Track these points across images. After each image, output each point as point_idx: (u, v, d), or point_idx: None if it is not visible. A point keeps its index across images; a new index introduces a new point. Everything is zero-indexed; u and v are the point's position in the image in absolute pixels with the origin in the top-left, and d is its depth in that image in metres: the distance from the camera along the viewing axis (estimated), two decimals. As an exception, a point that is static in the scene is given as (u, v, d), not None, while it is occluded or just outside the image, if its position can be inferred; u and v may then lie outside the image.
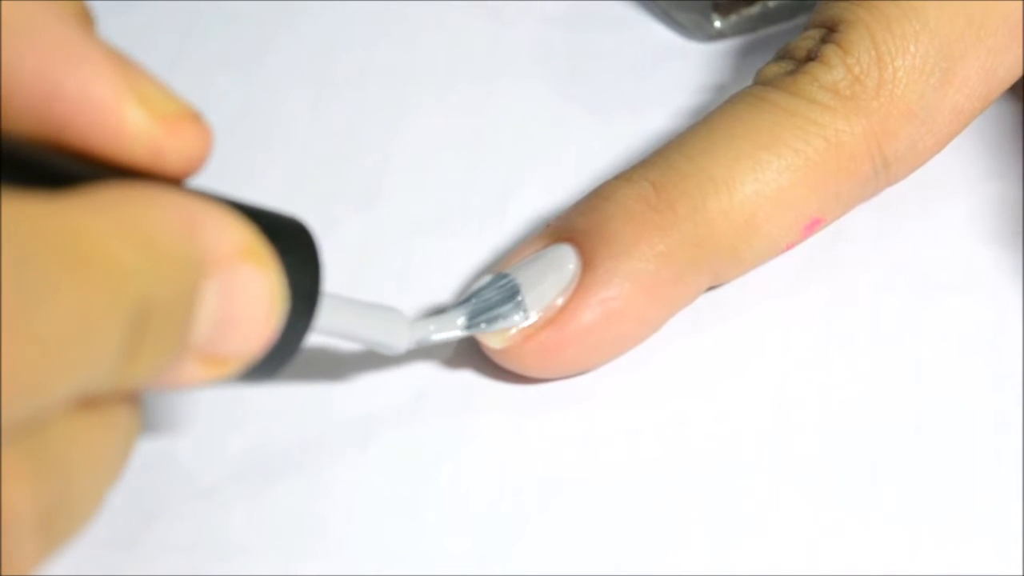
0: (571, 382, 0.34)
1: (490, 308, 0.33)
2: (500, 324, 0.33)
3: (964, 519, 0.32)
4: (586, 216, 0.34)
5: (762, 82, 0.36)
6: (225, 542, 0.32)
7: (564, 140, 0.40)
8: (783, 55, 0.36)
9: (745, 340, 0.35)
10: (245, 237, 0.27)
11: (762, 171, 0.34)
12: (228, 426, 0.34)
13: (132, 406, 0.27)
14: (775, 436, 0.34)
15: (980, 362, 0.35)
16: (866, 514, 0.32)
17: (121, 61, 0.26)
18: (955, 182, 0.37)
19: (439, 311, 0.34)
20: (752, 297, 0.36)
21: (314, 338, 0.33)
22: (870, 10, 0.35)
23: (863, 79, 0.34)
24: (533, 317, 0.33)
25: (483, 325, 0.33)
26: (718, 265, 0.34)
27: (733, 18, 0.42)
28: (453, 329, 0.33)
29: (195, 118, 0.27)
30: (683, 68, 0.42)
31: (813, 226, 0.35)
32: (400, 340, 0.32)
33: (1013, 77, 0.36)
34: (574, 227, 0.34)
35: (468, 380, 0.35)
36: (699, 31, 0.42)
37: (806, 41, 0.36)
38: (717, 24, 0.42)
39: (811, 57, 0.35)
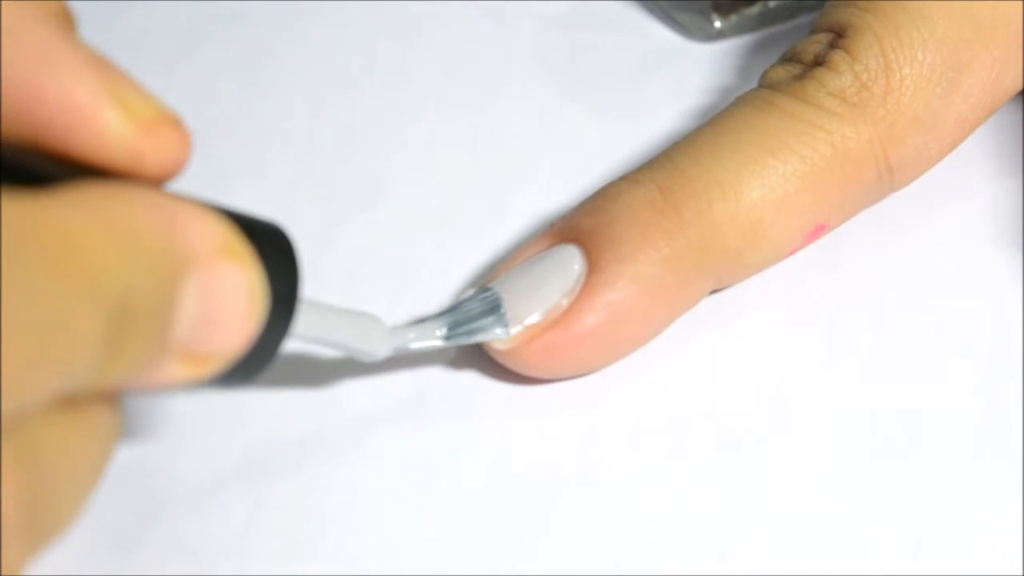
0: (572, 383, 0.34)
1: (471, 320, 0.33)
2: (479, 337, 0.33)
3: (964, 519, 0.32)
4: (591, 217, 0.34)
5: (768, 85, 0.36)
6: (225, 542, 0.32)
7: (564, 140, 0.40)
8: (789, 57, 0.36)
9: (746, 340, 0.35)
10: (225, 235, 0.27)
11: (768, 177, 0.34)
12: (228, 426, 0.34)
13: (113, 406, 0.27)
14: (776, 437, 0.34)
15: (980, 363, 0.35)
16: (867, 514, 0.32)
17: (102, 65, 0.27)
18: (955, 183, 0.37)
19: (421, 320, 0.34)
20: (752, 298, 0.36)
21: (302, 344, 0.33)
22: (879, 16, 0.35)
23: (871, 86, 0.34)
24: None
25: (463, 337, 0.33)
26: (722, 269, 0.35)
27: (733, 18, 0.42)
28: (432, 339, 0.33)
29: (174, 123, 0.27)
30: (683, 68, 0.42)
31: (817, 232, 0.35)
32: (379, 347, 0.32)
33: (1018, 87, 0.36)
34: (579, 227, 0.34)
35: (469, 380, 0.35)
36: (699, 31, 0.42)
37: (813, 45, 0.36)
38: (717, 24, 0.42)
39: (818, 61, 0.35)
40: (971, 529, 0.32)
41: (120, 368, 0.25)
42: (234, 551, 0.32)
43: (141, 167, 0.27)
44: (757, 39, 0.42)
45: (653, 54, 0.42)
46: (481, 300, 0.34)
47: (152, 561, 0.32)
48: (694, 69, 0.42)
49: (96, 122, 0.26)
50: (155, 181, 0.27)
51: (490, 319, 0.33)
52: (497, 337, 0.33)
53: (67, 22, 0.28)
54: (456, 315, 0.34)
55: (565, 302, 0.33)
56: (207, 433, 0.34)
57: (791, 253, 0.35)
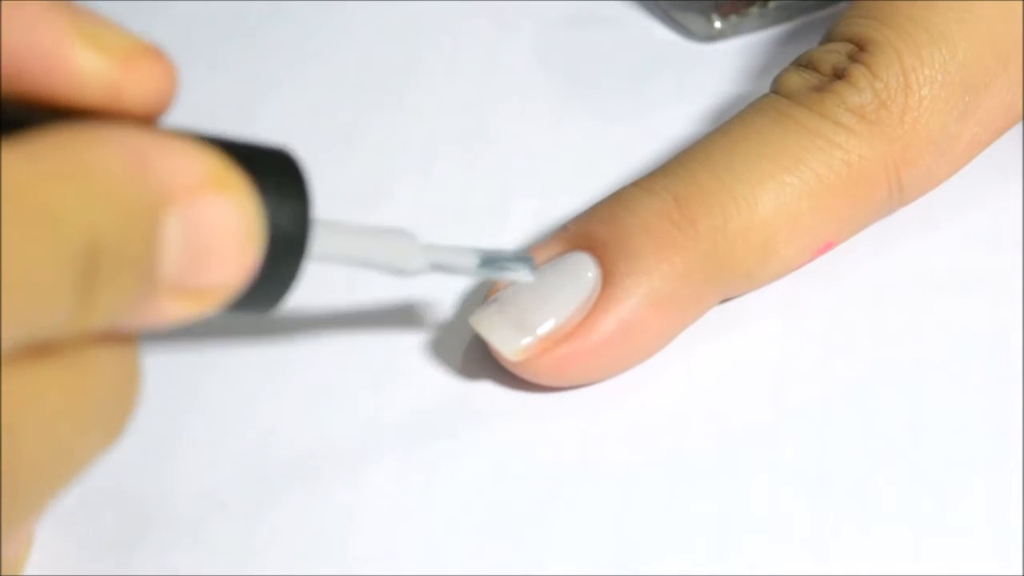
0: (574, 388, 0.34)
1: (504, 260, 0.33)
2: (509, 274, 0.33)
3: (964, 519, 0.32)
4: (606, 226, 0.34)
5: (784, 93, 0.35)
6: (226, 543, 0.32)
7: (564, 140, 0.40)
8: (805, 64, 0.36)
9: (746, 340, 0.35)
10: (208, 167, 0.26)
11: (784, 195, 0.34)
12: (228, 427, 0.34)
13: (117, 347, 0.26)
14: (776, 437, 0.34)
15: (980, 363, 0.35)
16: (867, 515, 0.32)
17: (67, 7, 0.26)
18: (956, 184, 0.37)
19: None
20: (753, 298, 0.36)
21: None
22: (899, 33, 0.35)
23: (889, 104, 0.34)
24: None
25: (494, 270, 0.33)
26: (731, 283, 0.35)
27: (733, 18, 0.42)
28: (466, 261, 0.33)
29: (154, 54, 0.27)
30: (683, 68, 0.42)
31: (825, 249, 0.35)
32: (411, 262, 0.32)
33: None
34: (593, 236, 0.34)
35: (471, 382, 0.35)
36: (699, 31, 0.42)
37: (831, 55, 0.35)
38: (717, 24, 0.42)
39: (837, 74, 0.35)
40: (971, 529, 0.32)
41: (101, 310, 0.24)
42: (234, 552, 0.32)
43: (123, 104, 0.26)
44: (757, 39, 0.43)
45: (653, 54, 0.42)
46: (517, 257, 0.34)
47: (152, 561, 0.32)
48: (694, 69, 0.42)
49: (68, 64, 0.26)
50: (144, 117, 0.27)
51: (521, 265, 0.33)
52: (524, 279, 0.33)
53: None
54: (491, 253, 0.33)
55: (578, 311, 0.33)
56: (207, 433, 0.34)
57: (798, 268, 0.35)
